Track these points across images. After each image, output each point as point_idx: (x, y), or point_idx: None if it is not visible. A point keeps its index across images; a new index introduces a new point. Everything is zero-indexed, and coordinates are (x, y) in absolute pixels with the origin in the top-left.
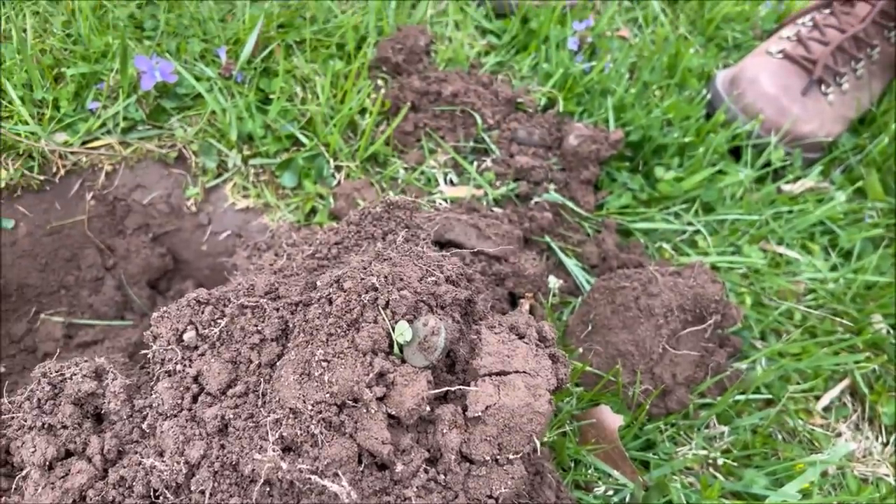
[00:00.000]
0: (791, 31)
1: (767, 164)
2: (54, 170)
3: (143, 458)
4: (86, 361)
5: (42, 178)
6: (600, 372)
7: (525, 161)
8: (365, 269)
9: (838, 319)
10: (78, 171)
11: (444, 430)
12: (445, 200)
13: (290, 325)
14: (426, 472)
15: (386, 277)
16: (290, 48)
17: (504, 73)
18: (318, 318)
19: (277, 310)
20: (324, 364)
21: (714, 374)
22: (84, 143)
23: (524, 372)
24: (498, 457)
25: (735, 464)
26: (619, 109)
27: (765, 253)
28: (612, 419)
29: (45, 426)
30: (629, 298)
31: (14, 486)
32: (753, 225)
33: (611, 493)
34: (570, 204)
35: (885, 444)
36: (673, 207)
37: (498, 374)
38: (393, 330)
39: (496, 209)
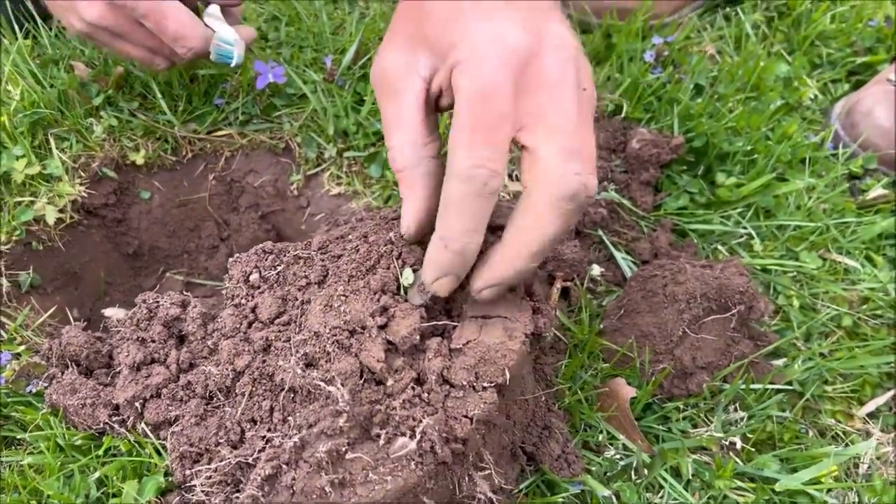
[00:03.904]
0: None
1: (850, 175)
2: (184, 153)
3: (205, 367)
4: (176, 294)
5: (174, 159)
6: (616, 347)
7: None
8: (387, 227)
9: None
10: (203, 156)
11: (430, 357)
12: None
13: (330, 272)
14: (413, 389)
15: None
16: None
17: None
18: (346, 263)
19: (322, 260)
20: (342, 298)
21: (737, 362)
22: (209, 132)
23: (505, 317)
24: (474, 384)
25: (753, 449)
26: (685, 118)
27: (823, 261)
28: (626, 390)
29: (139, 339)
30: (658, 285)
31: (109, 381)
32: (814, 232)
33: (619, 457)
34: (627, 203)
35: None
36: (732, 211)
37: (482, 317)
38: (400, 275)
39: None
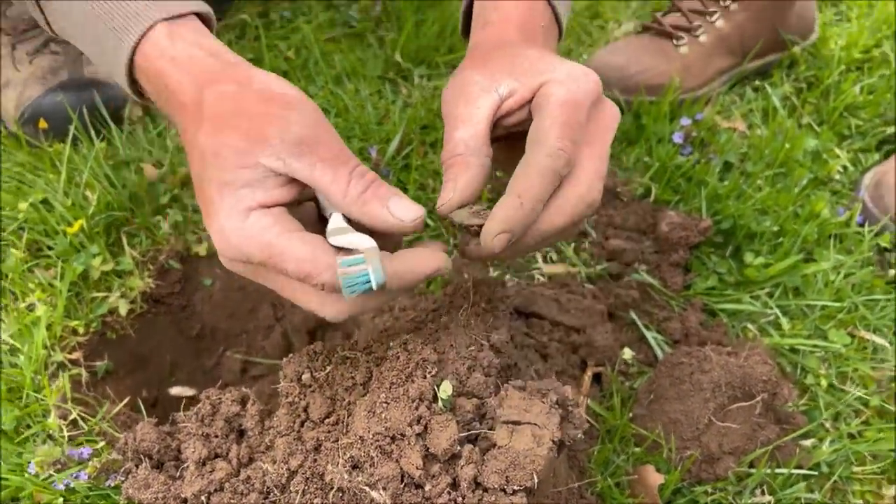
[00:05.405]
0: None
1: (880, 249)
2: None
3: (262, 464)
4: (236, 391)
5: None
6: (646, 433)
7: (618, 244)
8: (426, 335)
9: None
10: None
11: (463, 464)
12: (543, 275)
13: (374, 374)
14: (449, 493)
15: (439, 341)
16: (427, 145)
17: (612, 163)
18: (387, 369)
19: (367, 362)
20: (384, 405)
21: (763, 447)
22: None
23: (535, 424)
24: (505, 487)
25: None
26: (713, 199)
27: (852, 338)
28: (654, 478)
29: (203, 434)
30: (685, 373)
31: (178, 474)
32: (842, 311)
33: None
34: (657, 284)
35: None
36: (759, 291)
37: (514, 423)
38: (437, 387)
39: (588, 286)
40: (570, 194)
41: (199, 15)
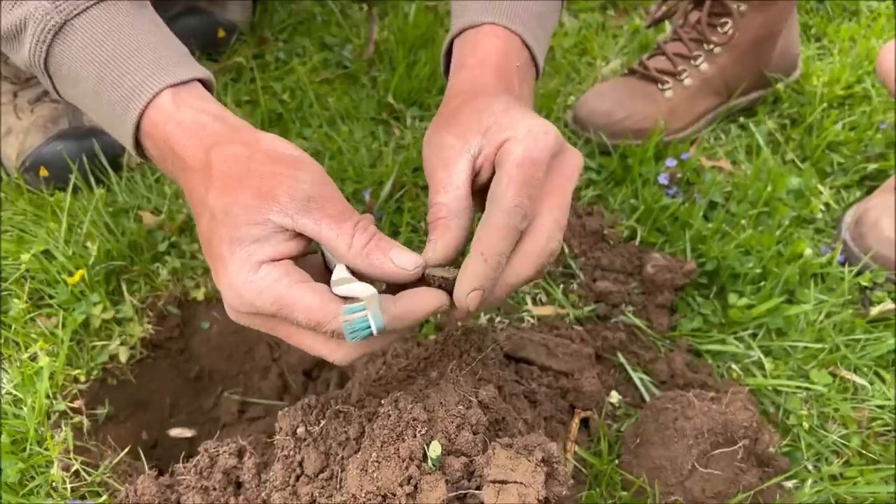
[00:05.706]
0: None
1: (861, 287)
2: None
3: None
4: (233, 443)
5: None
6: (632, 478)
7: (605, 286)
8: (416, 391)
9: None
10: None
11: None
12: (532, 317)
13: (366, 430)
14: None
15: (428, 399)
16: (419, 188)
17: (600, 204)
18: (378, 427)
19: (360, 416)
20: (375, 464)
21: (745, 491)
22: None
23: (521, 483)
24: None
25: None
26: (697, 240)
27: (833, 377)
28: None
29: (202, 487)
30: (669, 419)
31: None
32: (823, 351)
33: None
34: (643, 325)
35: None
36: (743, 333)
37: (500, 482)
38: (427, 446)
39: (577, 327)
40: (531, 247)
41: (201, 81)
